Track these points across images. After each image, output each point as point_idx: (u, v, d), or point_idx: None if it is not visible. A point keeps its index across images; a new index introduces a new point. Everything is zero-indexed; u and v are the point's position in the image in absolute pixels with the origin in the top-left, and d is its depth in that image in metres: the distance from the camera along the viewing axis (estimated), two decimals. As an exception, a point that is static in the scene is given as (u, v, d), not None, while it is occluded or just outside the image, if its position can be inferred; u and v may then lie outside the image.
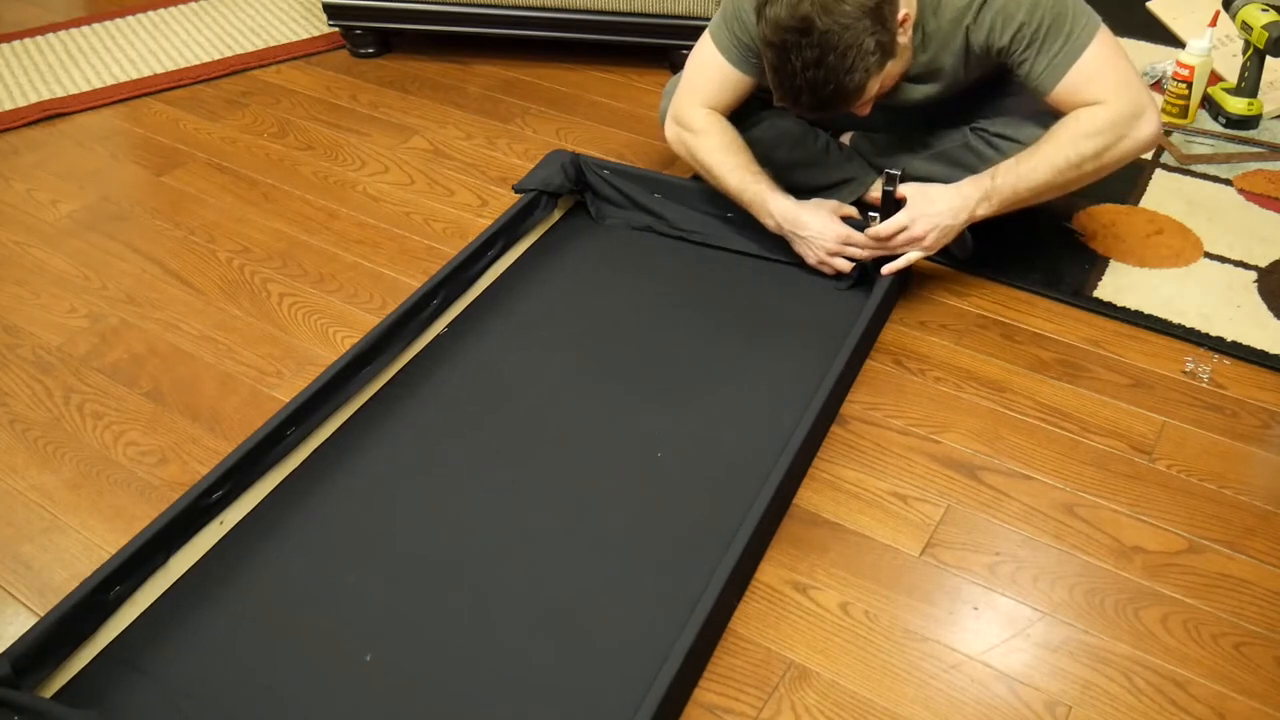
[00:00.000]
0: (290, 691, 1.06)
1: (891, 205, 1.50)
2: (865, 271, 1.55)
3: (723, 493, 1.26)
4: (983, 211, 1.45)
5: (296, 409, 1.30)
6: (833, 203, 1.59)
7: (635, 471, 1.30)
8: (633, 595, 1.15)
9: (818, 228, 1.53)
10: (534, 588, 1.16)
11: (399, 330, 1.45)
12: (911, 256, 1.48)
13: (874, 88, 1.35)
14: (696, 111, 1.58)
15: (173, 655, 1.10)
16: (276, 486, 1.29)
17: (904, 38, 1.36)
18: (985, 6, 1.38)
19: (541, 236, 1.72)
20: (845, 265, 1.54)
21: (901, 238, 1.46)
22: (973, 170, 1.52)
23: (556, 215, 1.76)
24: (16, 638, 1.04)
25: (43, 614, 1.11)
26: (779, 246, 1.60)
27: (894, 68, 1.37)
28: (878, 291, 1.48)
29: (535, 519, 1.24)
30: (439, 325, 1.52)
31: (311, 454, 1.33)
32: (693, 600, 1.06)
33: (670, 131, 1.65)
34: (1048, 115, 1.47)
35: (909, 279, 1.61)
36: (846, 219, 1.56)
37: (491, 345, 1.50)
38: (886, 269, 1.49)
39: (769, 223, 1.56)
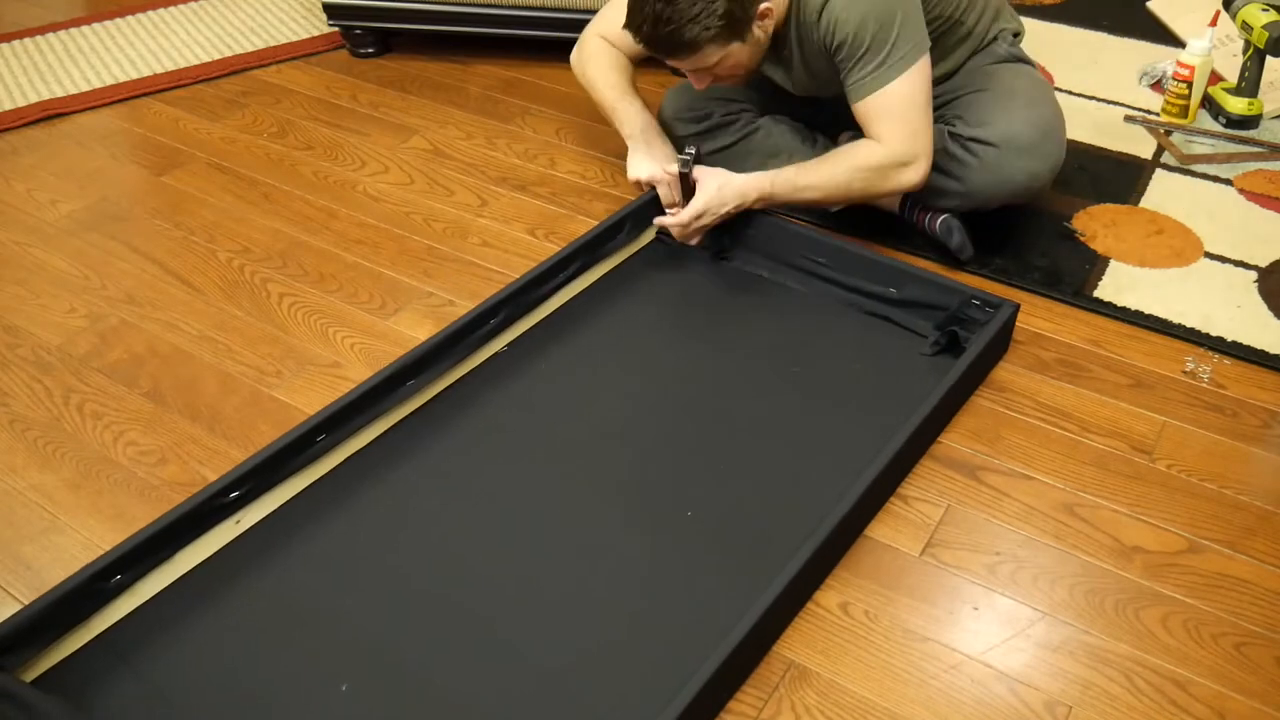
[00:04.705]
0: (264, 711, 1.05)
1: (687, 185, 1.59)
2: (955, 339, 1.46)
3: (746, 564, 1.17)
4: (757, 207, 1.60)
5: (330, 416, 1.27)
6: (667, 156, 1.66)
7: (661, 529, 1.23)
8: (625, 664, 1.08)
9: (631, 164, 1.67)
10: (529, 645, 1.10)
11: (451, 346, 1.41)
12: (691, 242, 1.64)
13: (712, 56, 1.42)
14: (594, 40, 1.72)
15: (160, 651, 1.10)
16: (299, 493, 1.27)
17: (760, 31, 1.44)
18: (826, 9, 1.44)
19: (624, 261, 1.67)
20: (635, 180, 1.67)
21: (695, 224, 1.59)
22: (955, 177, 1.57)
23: (647, 238, 1.71)
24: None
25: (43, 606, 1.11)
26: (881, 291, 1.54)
27: (741, 53, 1.44)
28: (960, 365, 1.35)
29: (548, 568, 1.18)
30: (499, 343, 1.49)
31: (341, 463, 1.31)
32: (684, 677, 0.99)
33: (573, 56, 1.76)
34: (1020, 112, 1.54)
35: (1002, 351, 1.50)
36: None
37: (546, 373, 1.45)
38: (658, 221, 1.63)
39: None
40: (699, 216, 1.57)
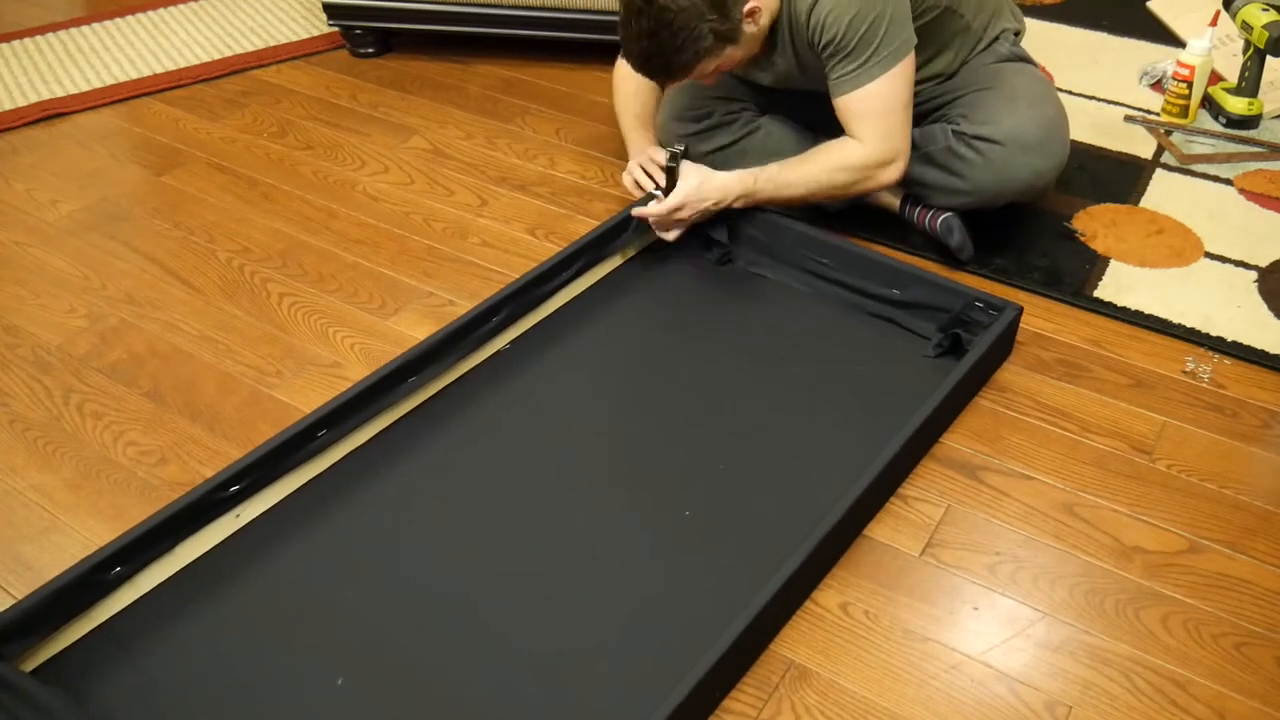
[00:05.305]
0: (260, 703, 1.05)
1: (672, 179, 1.59)
2: (958, 341, 1.46)
3: (744, 564, 1.17)
4: (739, 205, 1.61)
5: (330, 412, 1.28)
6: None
7: (660, 528, 1.23)
8: (621, 661, 1.08)
9: (630, 161, 1.71)
10: (525, 642, 1.10)
11: (452, 343, 1.41)
12: (668, 235, 1.65)
13: (709, 66, 1.45)
14: (621, 64, 1.71)
15: (158, 643, 1.11)
16: (300, 487, 1.28)
17: (752, 27, 1.44)
18: (815, 8, 1.46)
19: (626, 261, 1.67)
20: (632, 185, 1.69)
21: (674, 216, 1.60)
22: (960, 175, 1.58)
23: (650, 238, 1.70)
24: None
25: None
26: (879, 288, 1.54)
27: (735, 53, 1.46)
28: (962, 367, 1.34)
29: (545, 565, 1.18)
30: (500, 341, 1.49)
31: (341, 459, 1.31)
32: (680, 675, 0.99)
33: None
34: (1024, 110, 1.54)
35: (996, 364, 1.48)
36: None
37: (546, 371, 1.45)
38: (636, 212, 1.62)
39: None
40: (678, 209, 1.58)
